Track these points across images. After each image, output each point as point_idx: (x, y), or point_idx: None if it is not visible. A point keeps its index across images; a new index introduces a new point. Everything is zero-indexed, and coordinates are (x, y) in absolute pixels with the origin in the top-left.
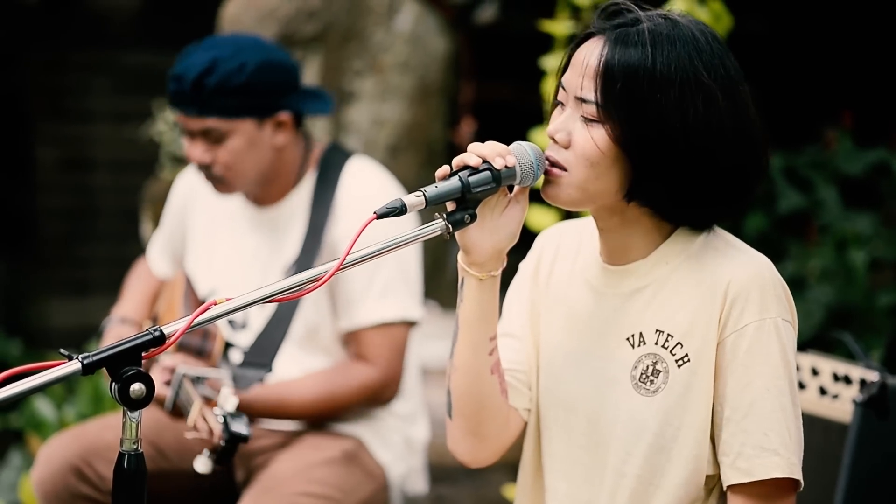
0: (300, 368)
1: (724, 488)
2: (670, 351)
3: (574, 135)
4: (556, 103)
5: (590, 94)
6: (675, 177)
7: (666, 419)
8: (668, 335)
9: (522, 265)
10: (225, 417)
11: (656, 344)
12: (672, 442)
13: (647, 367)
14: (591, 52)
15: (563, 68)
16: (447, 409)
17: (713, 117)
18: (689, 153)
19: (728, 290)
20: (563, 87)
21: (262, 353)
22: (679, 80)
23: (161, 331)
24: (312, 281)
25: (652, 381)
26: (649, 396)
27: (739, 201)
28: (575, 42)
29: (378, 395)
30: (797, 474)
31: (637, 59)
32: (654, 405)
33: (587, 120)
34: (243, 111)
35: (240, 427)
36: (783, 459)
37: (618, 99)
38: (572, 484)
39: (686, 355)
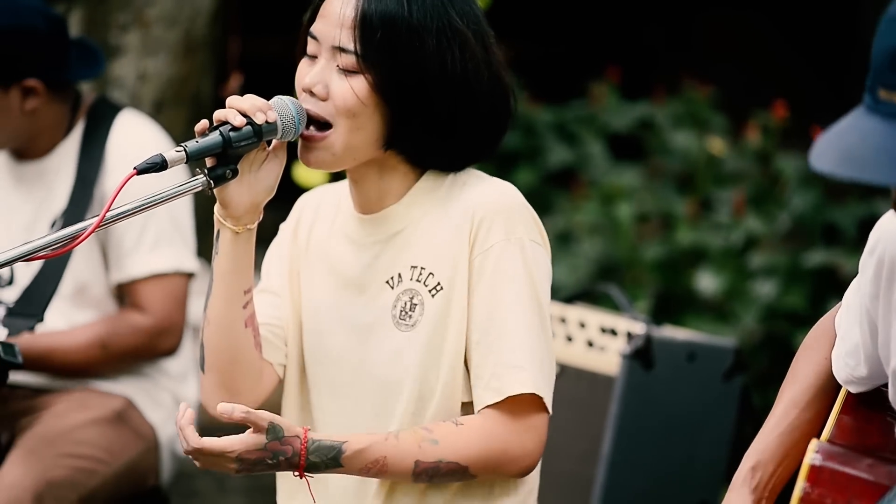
0: (69, 324)
1: (476, 413)
2: (423, 283)
3: (332, 87)
4: (305, 55)
5: (349, 45)
6: (434, 123)
7: (427, 350)
8: (422, 268)
9: (282, 226)
10: None
11: (412, 279)
12: (434, 373)
13: (405, 303)
14: (346, 2)
15: (311, 19)
16: (199, 362)
17: (470, 62)
18: (449, 98)
19: (475, 214)
20: (315, 38)
21: (29, 308)
22: (435, 27)
23: None
24: (74, 236)
25: (410, 316)
26: (409, 331)
27: (492, 144)
28: None
29: (153, 344)
30: (543, 392)
31: (394, 9)
32: (414, 339)
33: (345, 71)
34: None
35: (9, 354)
36: (528, 374)
37: (377, 48)
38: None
39: (438, 283)
